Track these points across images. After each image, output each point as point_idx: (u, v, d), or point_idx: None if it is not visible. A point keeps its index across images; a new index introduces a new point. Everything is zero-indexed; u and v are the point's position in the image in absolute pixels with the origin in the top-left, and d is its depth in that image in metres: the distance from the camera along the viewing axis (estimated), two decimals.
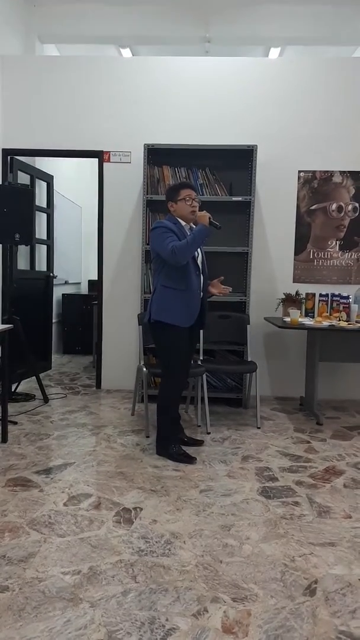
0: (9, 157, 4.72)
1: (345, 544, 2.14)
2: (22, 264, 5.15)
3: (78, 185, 7.13)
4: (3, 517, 2.30)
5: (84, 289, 7.61)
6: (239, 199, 4.26)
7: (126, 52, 6.01)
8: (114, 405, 4.26)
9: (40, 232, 5.46)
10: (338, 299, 4.09)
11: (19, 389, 4.46)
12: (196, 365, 3.68)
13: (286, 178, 4.57)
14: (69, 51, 5.98)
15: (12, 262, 4.54)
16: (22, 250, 5.11)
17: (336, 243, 4.61)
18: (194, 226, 3.03)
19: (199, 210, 3.04)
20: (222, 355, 4.45)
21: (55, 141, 4.65)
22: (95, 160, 4.75)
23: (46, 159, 5.61)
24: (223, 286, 3.22)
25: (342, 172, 4.55)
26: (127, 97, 4.60)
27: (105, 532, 2.19)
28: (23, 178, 5.04)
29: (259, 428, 3.76)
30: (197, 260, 3.08)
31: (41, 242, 5.46)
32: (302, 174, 4.57)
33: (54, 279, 5.68)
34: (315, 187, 4.57)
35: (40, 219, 5.48)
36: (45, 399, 4.28)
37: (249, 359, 4.16)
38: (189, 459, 3.02)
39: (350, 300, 4.03)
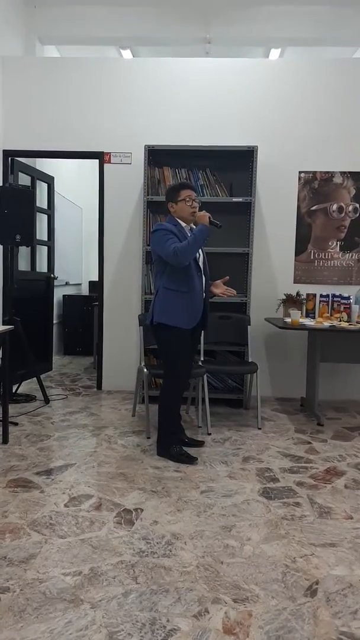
0: (9, 159, 4.72)
1: (346, 545, 2.14)
2: (23, 265, 5.15)
3: (79, 186, 7.14)
4: (4, 518, 2.30)
5: (84, 290, 7.61)
6: (240, 199, 4.26)
7: (127, 54, 6.02)
8: (114, 406, 4.26)
9: (41, 233, 5.47)
10: (339, 299, 4.09)
11: (20, 390, 4.46)
12: (197, 366, 3.68)
13: (287, 179, 4.57)
14: (70, 52, 5.99)
15: (12, 263, 4.54)
16: (23, 252, 5.11)
17: (337, 244, 4.61)
18: (195, 227, 3.03)
19: (199, 211, 3.04)
20: (222, 356, 4.45)
21: (55, 142, 4.66)
22: (96, 162, 4.76)
23: (47, 160, 5.61)
24: (226, 287, 3.22)
25: (342, 173, 4.55)
26: (127, 98, 4.61)
27: (106, 533, 2.19)
28: (24, 179, 5.04)
29: (259, 429, 3.75)
30: (199, 261, 3.08)
31: (42, 243, 5.47)
32: (302, 175, 4.57)
33: (55, 280, 5.68)
34: (316, 187, 4.57)
35: (41, 220, 5.48)
36: (46, 400, 4.28)
37: (250, 360, 4.16)
38: (190, 460, 3.02)
39: (351, 300, 4.03)
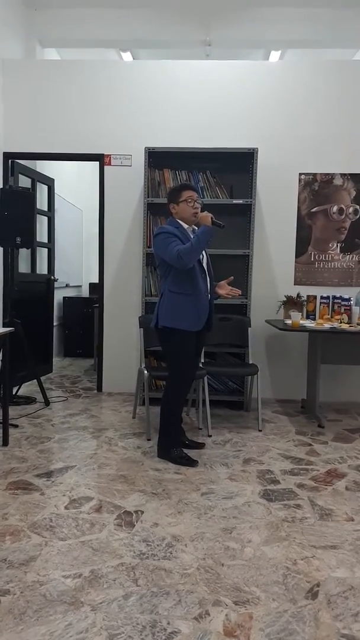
0: (10, 161, 4.73)
1: (347, 547, 2.13)
2: (23, 267, 5.16)
3: (79, 188, 7.15)
4: (4, 520, 2.29)
5: (85, 292, 7.61)
6: (240, 201, 4.26)
7: (127, 56, 6.03)
8: (115, 408, 4.25)
9: (42, 235, 5.47)
10: (339, 301, 4.09)
11: (20, 392, 4.46)
12: (197, 368, 3.67)
13: (287, 181, 4.57)
14: (70, 55, 6.00)
15: (13, 265, 4.54)
16: (23, 254, 5.11)
17: (337, 245, 4.61)
18: (197, 228, 3.02)
19: (201, 212, 3.03)
20: (223, 358, 4.45)
21: (56, 145, 4.66)
22: (96, 164, 4.76)
23: (47, 162, 5.62)
24: (231, 287, 3.21)
25: (342, 175, 4.55)
26: (127, 100, 4.62)
27: (106, 535, 2.19)
28: (24, 181, 5.05)
29: (260, 431, 3.75)
30: (203, 263, 3.07)
31: (42, 245, 5.47)
32: (302, 177, 4.58)
33: (55, 282, 5.68)
34: (316, 189, 4.57)
35: (42, 222, 5.49)
36: (46, 402, 4.27)
37: (250, 362, 4.16)
38: (191, 462, 3.01)
39: (352, 302, 4.03)
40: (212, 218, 2.94)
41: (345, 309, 4.00)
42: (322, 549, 2.11)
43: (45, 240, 5.58)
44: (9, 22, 4.82)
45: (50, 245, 5.64)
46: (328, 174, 4.56)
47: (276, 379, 4.71)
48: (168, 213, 3.14)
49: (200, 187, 4.36)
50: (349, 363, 4.15)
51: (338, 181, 4.56)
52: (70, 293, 6.94)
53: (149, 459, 3.11)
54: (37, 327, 5.25)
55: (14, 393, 4.34)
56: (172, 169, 4.42)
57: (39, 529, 2.22)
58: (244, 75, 4.55)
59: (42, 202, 5.44)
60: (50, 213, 5.64)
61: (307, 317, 4.25)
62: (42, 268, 5.52)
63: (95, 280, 6.11)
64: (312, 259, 4.62)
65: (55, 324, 6.06)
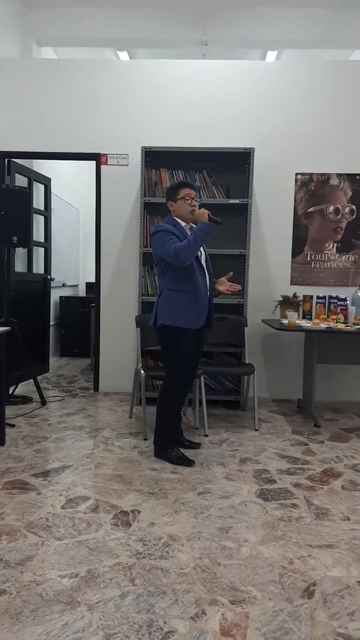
0: (6, 160, 4.72)
1: (343, 546, 2.14)
2: (20, 266, 5.15)
3: (76, 187, 7.14)
4: (0, 520, 2.29)
5: (81, 292, 7.60)
6: (237, 201, 4.26)
7: (123, 55, 6.03)
8: (111, 408, 4.25)
9: (38, 234, 5.46)
10: (335, 301, 4.10)
11: (17, 392, 4.45)
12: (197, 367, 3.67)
13: (283, 180, 4.58)
14: (67, 54, 5.99)
15: (9, 265, 4.53)
16: (20, 253, 5.10)
17: (333, 245, 4.62)
18: (194, 226, 3.02)
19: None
20: (219, 357, 4.45)
21: (52, 144, 4.65)
22: (93, 163, 4.75)
23: (44, 161, 5.61)
24: (231, 283, 3.20)
25: (339, 175, 4.57)
26: (124, 100, 4.61)
27: (103, 535, 2.19)
28: (20, 180, 5.04)
29: (256, 430, 3.75)
30: (201, 260, 3.07)
31: (39, 244, 5.46)
32: (299, 177, 4.58)
33: (52, 282, 5.67)
34: (313, 189, 4.58)
35: (38, 222, 5.47)
36: (43, 402, 4.27)
37: (247, 361, 4.17)
38: (187, 462, 3.01)
39: (348, 302, 4.04)
40: (209, 215, 2.94)
41: (341, 309, 4.01)
42: (318, 548, 2.12)
43: (42, 239, 5.57)
44: (5, 20, 4.81)
45: (46, 245, 5.63)
46: (324, 174, 4.57)
47: (272, 378, 4.72)
48: (166, 211, 3.13)
49: (197, 186, 4.36)
50: (345, 363, 4.16)
51: (334, 181, 4.57)
52: (66, 292, 6.93)
53: (145, 459, 3.11)
54: (34, 326, 5.24)
55: (10, 392, 4.33)
56: (169, 168, 4.42)
57: (36, 528, 2.22)
58: (241, 75, 4.55)
59: (38, 201, 5.43)
60: (46, 212, 5.63)
61: (304, 317, 4.26)
62: (38, 267, 5.51)
63: (92, 279, 6.10)
64: (309, 259, 4.63)
65: (51, 323, 6.05)
